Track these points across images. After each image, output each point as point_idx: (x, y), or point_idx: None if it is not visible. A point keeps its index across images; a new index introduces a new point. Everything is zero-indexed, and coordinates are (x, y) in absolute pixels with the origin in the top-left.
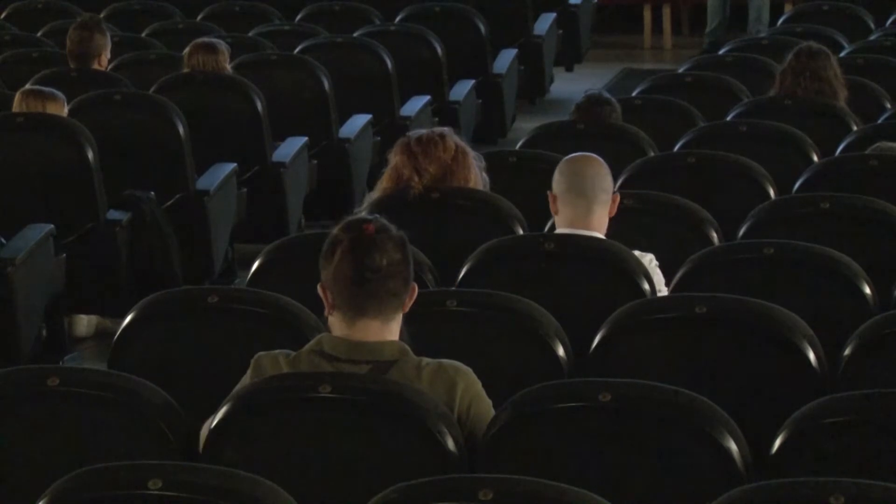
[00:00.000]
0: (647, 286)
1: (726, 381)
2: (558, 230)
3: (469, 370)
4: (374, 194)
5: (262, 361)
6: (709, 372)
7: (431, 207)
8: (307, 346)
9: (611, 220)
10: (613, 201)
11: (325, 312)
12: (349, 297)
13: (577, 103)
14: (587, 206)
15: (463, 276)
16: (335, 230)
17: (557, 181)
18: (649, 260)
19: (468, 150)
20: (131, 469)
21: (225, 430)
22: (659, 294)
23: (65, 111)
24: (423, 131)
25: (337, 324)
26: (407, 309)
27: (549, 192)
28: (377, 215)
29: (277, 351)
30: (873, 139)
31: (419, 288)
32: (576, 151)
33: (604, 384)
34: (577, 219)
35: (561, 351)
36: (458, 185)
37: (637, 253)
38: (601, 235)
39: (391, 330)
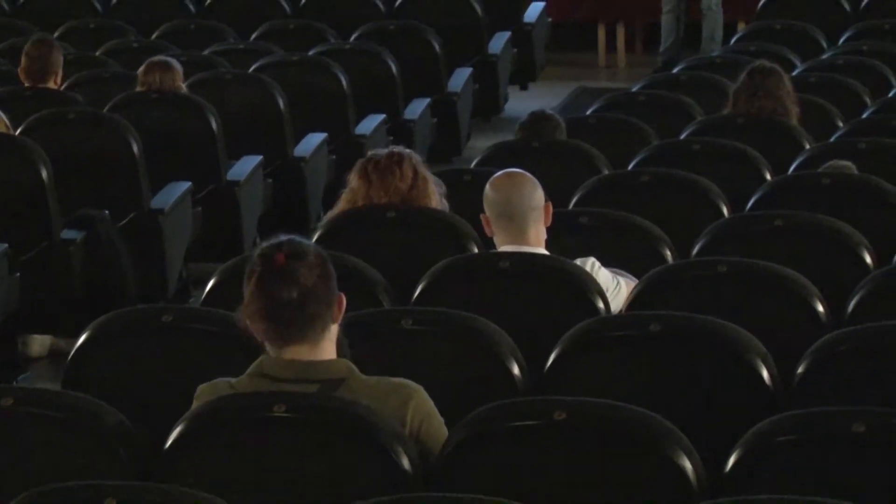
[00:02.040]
0: (601, 304)
1: (681, 398)
2: (501, 249)
3: (419, 387)
4: (332, 214)
5: (205, 392)
6: (663, 390)
7: (387, 226)
8: (248, 371)
9: (565, 237)
10: (546, 212)
11: (258, 343)
12: (268, 329)
13: (521, 122)
14: (520, 227)
15: (418, 295)
16: (252, 257)
17: (488, 205)
18: (591, 264)
19: (428, 176)
20: (86, 489)
21: (179, 451)
22: (607, 292)
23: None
24: (383, 154)
25: (270, 350)
26: (338, 321)
27: (481, 215)
28: (292, 237)
29: (218, 380)
30: (826, 157)
31: (374, 307)
32: (530, 169)
33: (559, 402)
34: (513, 239)
35: (516, 369)
36: None
37: (578, 260)
38: (543, 249)
39: (325, 349)
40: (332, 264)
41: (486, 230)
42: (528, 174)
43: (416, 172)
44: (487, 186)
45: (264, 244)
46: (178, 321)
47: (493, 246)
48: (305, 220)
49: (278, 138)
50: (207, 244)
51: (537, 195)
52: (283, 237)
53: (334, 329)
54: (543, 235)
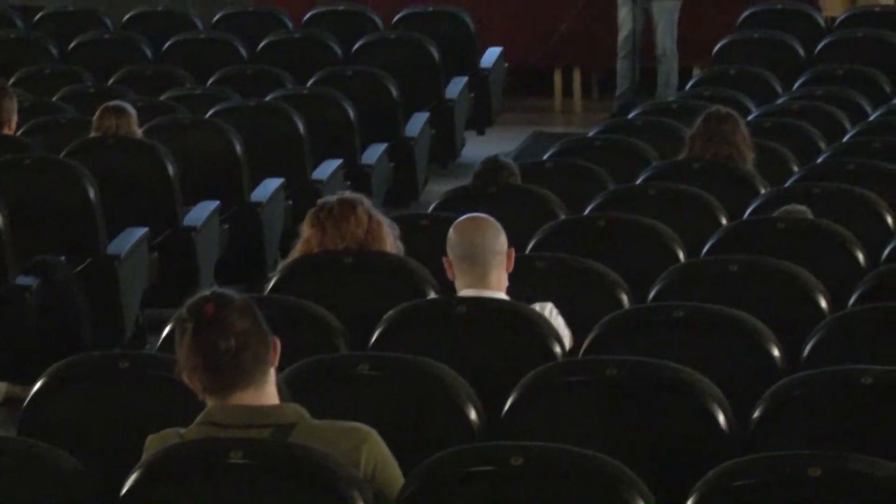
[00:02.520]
0: (558, 349)
1: (638, 443)
2: (462, 293)
3: (373, 431)
4: (285, 263)
5: (154, 443)
6: (620, 434)
7: (344, 271)
8: (197, 419)
9: (522, 282)
10: (509, 258)
11: (200, 397)
12: (210, 381)
13: (477, 169)
14: (482, 271)
15: (375, 340)
16: (180, 313)
17: (450, 248)
18: (549, 310)
19: (382, 219)
20: None
21: (136, 497)
22: (564, 339)
23: None
24: (334, 199)
25: (215, 400)
26: (275, 364)
27: (444, 258)
28: (214, 288)
29: (166, 430)
30: (781, 202)
31: (331, 352)
32: (489, 214)
33: (516, 447)
34: (475, 283)
35: (473, 414)
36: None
37: (537, 305)
38: (503, 294)
39: (269, 392)
40: (290, 309)
41: (449, 273)
42: (492, 219)
43: (370, 216)
44: (451, 229)
45: (189, 301)
46: (134, 367)
47: (454, 290)
48: (262, 266)
49: (235, 184)
50: (164, 290)
51: (501, 240)
52: (206, 291)
53: (273, 372)
54: (505, 281)
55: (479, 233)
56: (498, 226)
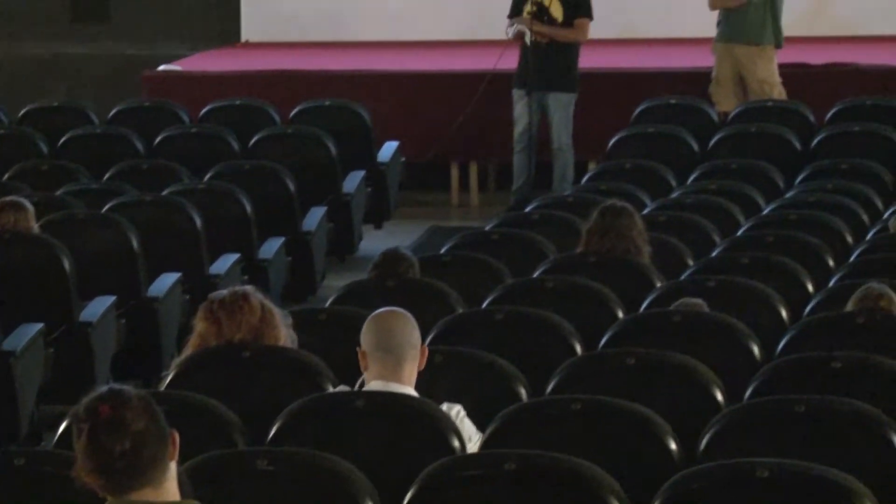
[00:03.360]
0: (457, 443)
1: None
2: (369, 385)
3: None
4: (181, 358)
5: None
6: None
7: (241, 366)
8: None
9: (421, 375)
10: (423, 354)
11: (100, 495)
12: (107, 483)
13: (375, 261)
14: (396, 361)
15: (273, 435)
16: (75, 411)
17: (366, 337)
18: (457, 412)
19: (274, 308)
20: None
21: None
22: (470, 444)
23: None
24: (226, 293)
25: (114, 500)
26: (175, 458)
27: (358, 349)
28: (111, 386)
29: None
30: (677, 295)
31: (229, 447)
32: (387, 308)
33: None
34: (387, 374)
35: None
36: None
37: (445, 406)
38: (412, 390)
39: (169, 489)
40: (187, 404)
41: (362, 364)
42: (409, 314)
43: (262, 305)
44: (370, 319)
45: (84, 399)
46: (29, 464)
47: (351, 385)
48: (159, 361)
49: (131, 278)
50: (60, 385)
51: (416, 335)
52: (103, 388)
53: (173, 467)
54: (415, 376)
55: (398, 324)
56: (414, 322)
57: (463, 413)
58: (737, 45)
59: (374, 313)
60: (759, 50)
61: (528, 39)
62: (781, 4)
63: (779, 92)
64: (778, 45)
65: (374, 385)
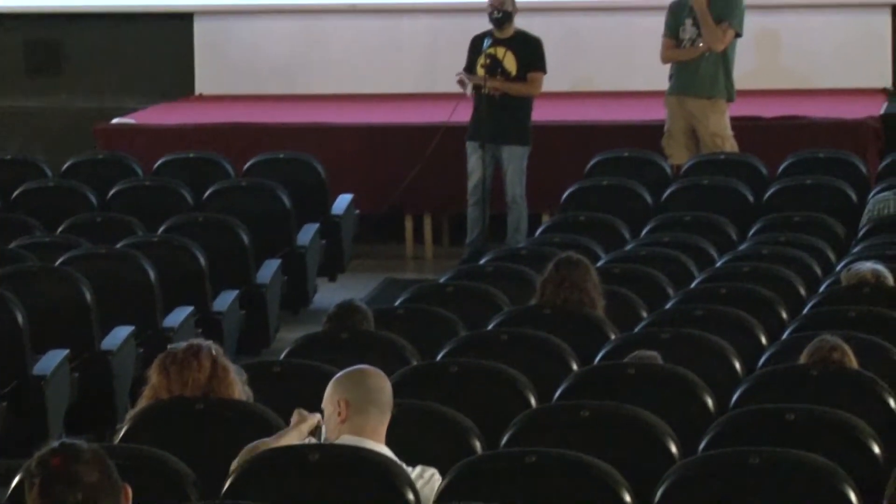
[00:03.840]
0: (412, 496)
1: None
2: (341, 439)
3: None
4: (135, 411)
5: None
6: None
7: (195, 419)
8: None
9: None
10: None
11: None
12: None
13: (329, 313)
14: (379, 420)
15: (228, 489)
16: (28, 465)
17: (354, 392)
18: (430, 475)
19: (229, 365)
20: None
21: None
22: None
23: None
24: (181, 347)
25: None
26: None
27: (339, 400)
28: (64, 438)
29: None
30: (631, 348)
31: (182, 501)
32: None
33: None
34: (367, 431)
35: None
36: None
37: (419, 468)
38: (384, 447)
39: None
40: (140, 458)
41: (340, 416)
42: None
43: (214, 362)
44: (360, 374)
45: (37, 452)
46: None
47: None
48: (112, 415)
49: (85, 332)
50: (13, 440)
51: (391, 392)
52: (55, 442)
53: None
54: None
55: (385, 384)
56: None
57: (437, 476)
58: (689, 98)
59: (355, 369)
60: (711, 103)
61: (468, 93)
62: (733, 57)
63: (731, 145)
64: (730, 99)
65: (345, 439)
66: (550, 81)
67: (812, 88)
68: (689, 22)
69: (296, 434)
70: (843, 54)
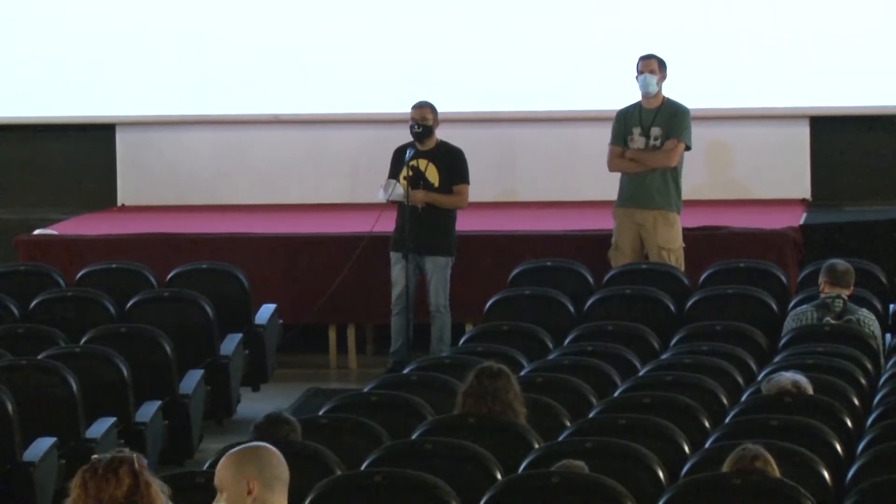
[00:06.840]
0: None
1: None
2: None
3: None
4: None
5: None
6: None
7: None
8: None
9: None
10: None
11: None
12: None
13: (256, 424)
14: (283, 490)
15: None
16: None
17: (257, 467)
18: None
19: (152, 480)
20: None
21: None
22: None
23: None
24: (104, 460)
25: None
26: None
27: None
28: None
29: None
30: (555, 457)
31: None
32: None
33: None
34: None
35: None
36: None
37: None
38: None
39: None
40: None
41: (250, 497)
42: None
43: (136, 477)
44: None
45: None
46: None
47: None
48: None
49: (6, 444)
50: None
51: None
52: None
53: None
54: None
55: (278, 456)
56: None
57: None
58: (638, 210)
59: (252, 445)
60: (662, 215)
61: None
62: (681, 171)
63: (676, 258)
64: (678, 211)
65: None
66: (476, 191)
67: (732, 199)
68: (636, 131)
69: None
70: (763, 165)
